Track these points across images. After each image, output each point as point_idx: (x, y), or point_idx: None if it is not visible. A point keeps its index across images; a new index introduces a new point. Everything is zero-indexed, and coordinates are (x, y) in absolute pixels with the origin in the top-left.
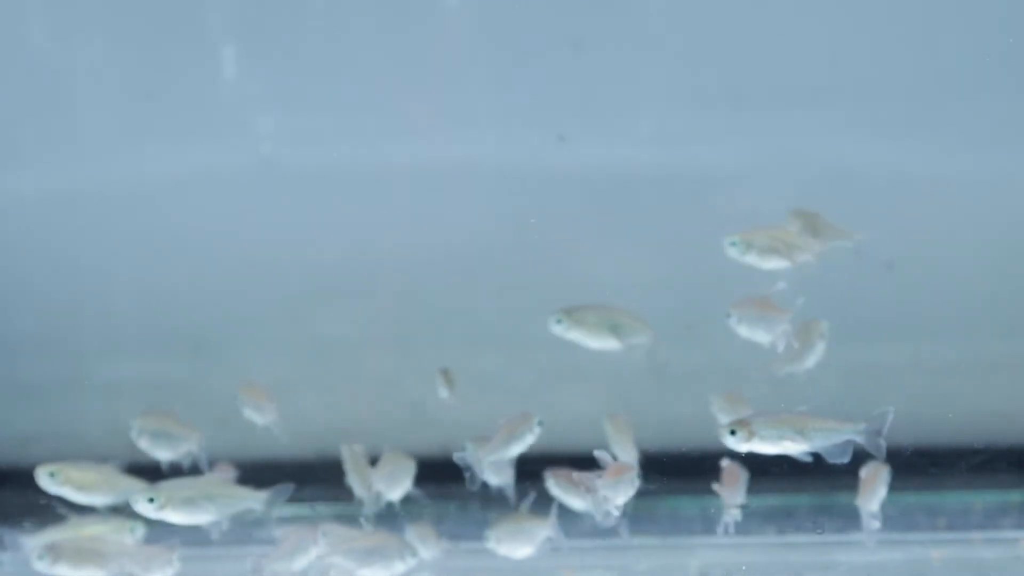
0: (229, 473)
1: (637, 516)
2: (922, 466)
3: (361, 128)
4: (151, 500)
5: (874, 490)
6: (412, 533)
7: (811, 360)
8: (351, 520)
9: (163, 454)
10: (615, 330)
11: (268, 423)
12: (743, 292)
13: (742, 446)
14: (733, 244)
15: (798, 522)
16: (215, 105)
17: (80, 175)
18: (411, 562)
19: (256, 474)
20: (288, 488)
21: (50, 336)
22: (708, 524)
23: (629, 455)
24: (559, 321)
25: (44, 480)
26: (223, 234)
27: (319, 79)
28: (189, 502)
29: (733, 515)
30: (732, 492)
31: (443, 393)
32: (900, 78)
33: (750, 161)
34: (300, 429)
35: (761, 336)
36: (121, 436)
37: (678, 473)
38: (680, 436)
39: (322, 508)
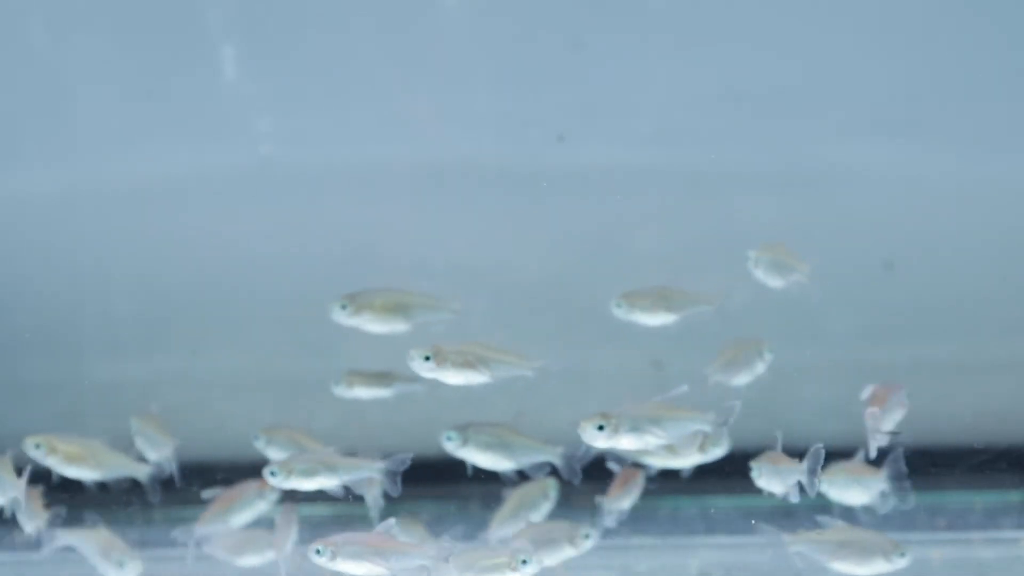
0: (293, 514)
1: (637, 516)
2: (922, 466)
3: (360, 128)
4: None
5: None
6: (400, 528)
7: (745, 377)
8: (352, 520)
9: (150, 456)
10: (404, 312)
11: (161, 458)
12: (741, 292)
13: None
14: (425, 358)
15: (798, 522)
16: (215, 105)
17: (80, 175)
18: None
19: (254, 475)
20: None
21: (50, 336)
22: (708, 524)
23: None
24: (343, 307)
25: (31, 451)
26: (222, 234)
27: (318, 79)
28: None
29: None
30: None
31: (362, 393)
32: (900, 79)
33: (750, 161)
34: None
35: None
36: (121, 436)
37: (678, 473)
38: None
39: (322, 509)
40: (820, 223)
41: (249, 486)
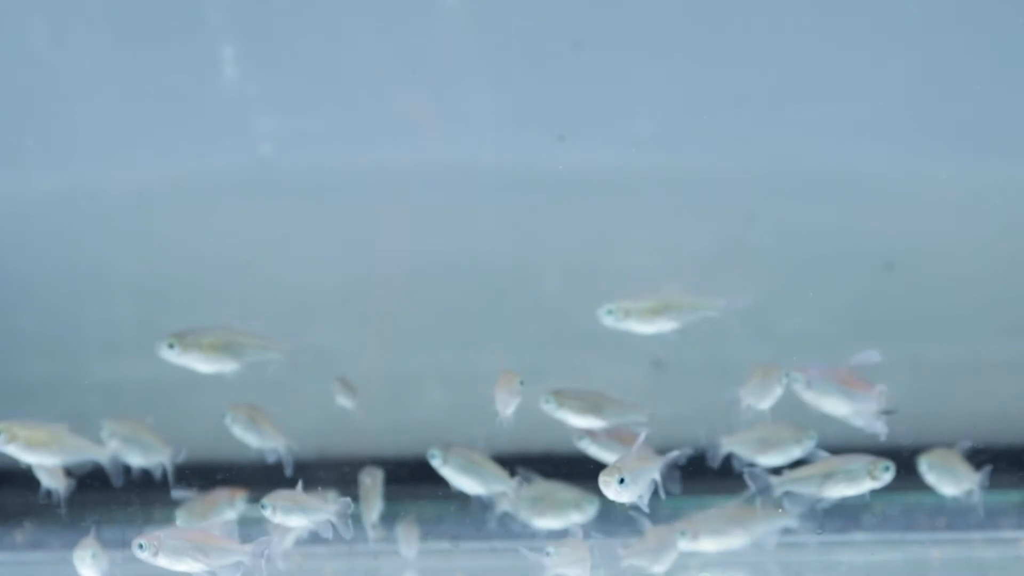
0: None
1: (636, 516)
2: None
3: (360, 129)
4: None
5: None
6: (398, 530)
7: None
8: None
9: (134, 460)
10: (233, 352)
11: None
12: (740, 293)
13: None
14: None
15: (798, 522)
16: (215, 105)
17: (80, 175)
18: None
19: (255, 476)
20: None
21: (50, 336)
22: None
23: None
24: (171, 346)
25: None
26: (222, 234)
27: (319, 80)
28: None
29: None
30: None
31: (345, 402)
32: (900, 78)
33: (750, 161)
34: (299, 430)
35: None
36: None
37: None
38: (680, 435)
39: None
40: (821, 223)
41: (221, 493)
